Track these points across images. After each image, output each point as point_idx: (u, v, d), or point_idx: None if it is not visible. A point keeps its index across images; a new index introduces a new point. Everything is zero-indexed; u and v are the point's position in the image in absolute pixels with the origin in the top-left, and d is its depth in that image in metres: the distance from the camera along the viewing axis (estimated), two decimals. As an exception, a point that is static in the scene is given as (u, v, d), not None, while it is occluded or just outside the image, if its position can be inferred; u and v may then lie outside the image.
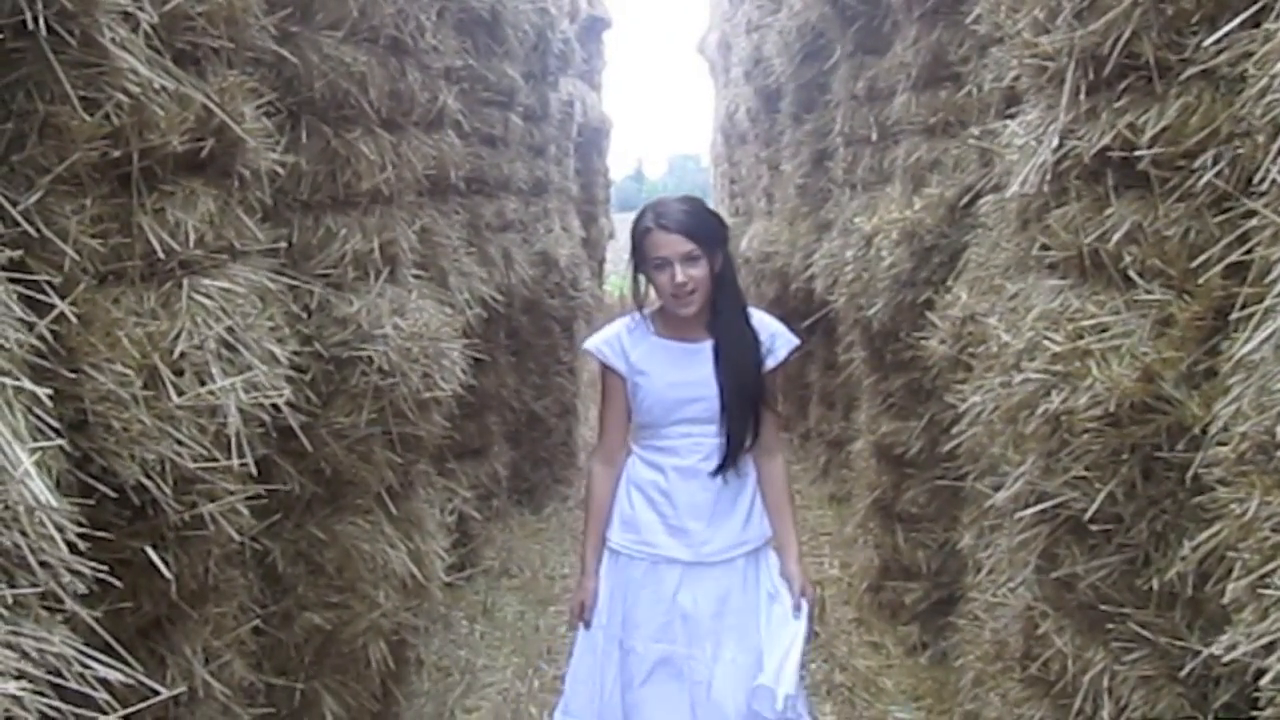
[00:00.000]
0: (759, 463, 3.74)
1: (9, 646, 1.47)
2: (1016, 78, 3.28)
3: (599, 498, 3.76)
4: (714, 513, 3.63)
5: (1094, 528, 2.65)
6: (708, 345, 3.60)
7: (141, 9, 2.28)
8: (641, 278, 3.64)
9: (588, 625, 3.72)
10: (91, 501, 2.02)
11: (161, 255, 2.46)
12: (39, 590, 1.55)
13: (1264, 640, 1.68)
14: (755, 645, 3.59)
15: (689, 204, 3.56)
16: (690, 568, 3.62)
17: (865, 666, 5.70)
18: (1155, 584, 2.51)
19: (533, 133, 9.04)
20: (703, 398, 3.58)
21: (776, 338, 3.68)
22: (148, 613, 2.48)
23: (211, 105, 2.61)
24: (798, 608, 3.63)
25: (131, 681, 1.71)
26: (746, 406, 3.60)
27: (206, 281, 2.63)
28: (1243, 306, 2.05)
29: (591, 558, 3.76)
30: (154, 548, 2.29)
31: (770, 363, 3.65)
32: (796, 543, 3.81)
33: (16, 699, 1.42)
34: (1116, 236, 2.60)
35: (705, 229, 3.49)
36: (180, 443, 2.29)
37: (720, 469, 3.60)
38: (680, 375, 3.60)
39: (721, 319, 3.59)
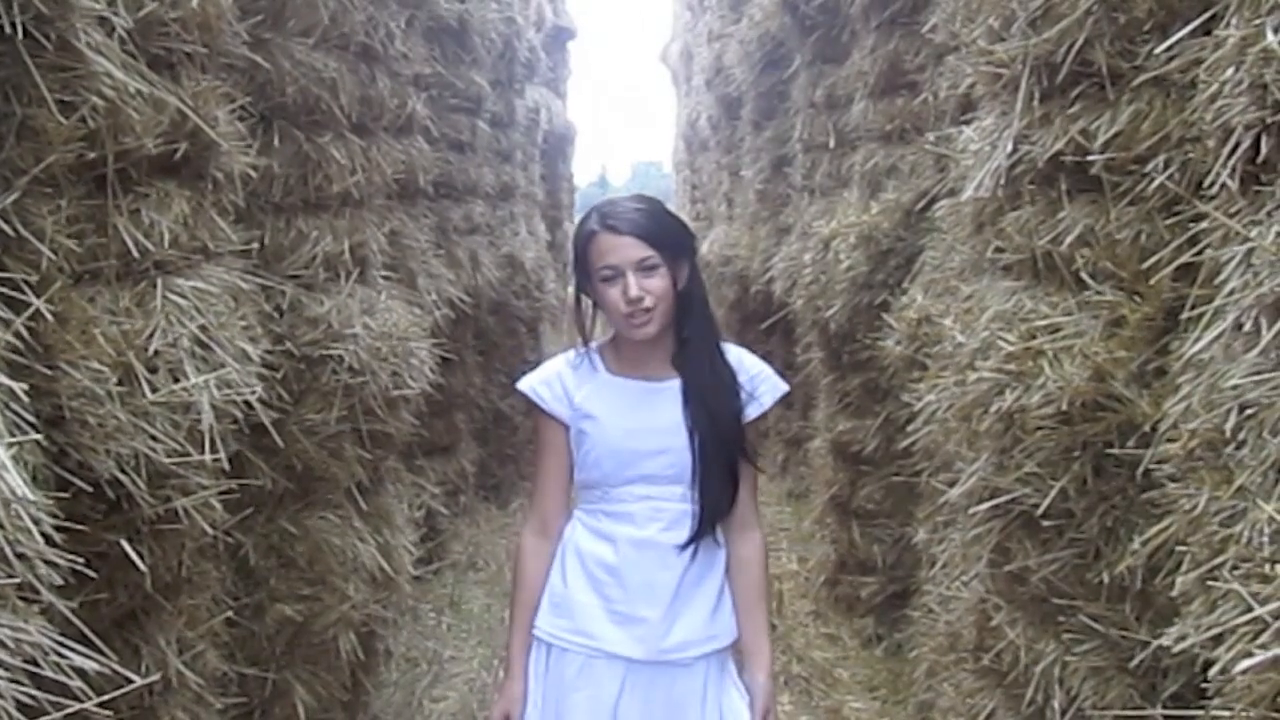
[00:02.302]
0: (730, 540, 2.93)
1: (-14, 636, 1.49)
2: (972, 85, 3.31)
3: (530, 579, 2.94)
4: (675, 597, 2.83)
5: (1046, 523, 2.66)
6: (674, 384, 2.85)
7: (117, 14, 2.29)
8: (589, 304, 2.93)
9: None
10: (67, 495, 2.03)
11: (136, 255, 2.47)
12: (16, 581, 1.56)
13: (1212, 632, 1.69)
14: None
15: (643, 203, 2.82)
16: (638, 667, 2.83)
17: (822, 658, 5.75)
18: (1106, 577, 2.53)
19: (499, 139, 9.08)
20: (668, 449, 2.82)
21: (759, 380, 2.93)
22: (122, 604, 2.48)
23: (185, 109, 2.64)
24: None
25: (106, 671, 1.76)
26: (725, 462, 2.85)
27: (180, 281, 2.65)
28: (1192, 307, 2.09)
29: (519, 654, 2.93)
30: (129, 540, 2.31)
31: (753, 411, 2.91)
32: (770, 646, 2.97)
33: (-7, 687, 1.44)
34: (1069, 239, 2.65)
35: (663, 232, 2.76)
36: (154, 438, 2.30)
37: (692, 540, 2.82)
38: (640, 421, 2.85)
39: (690, 349, 2.85)
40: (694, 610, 2.85)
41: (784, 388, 2.99)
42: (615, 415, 2.85)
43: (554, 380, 2.91)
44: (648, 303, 2.71)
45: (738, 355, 2.95)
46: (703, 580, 2.87)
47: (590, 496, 2.93)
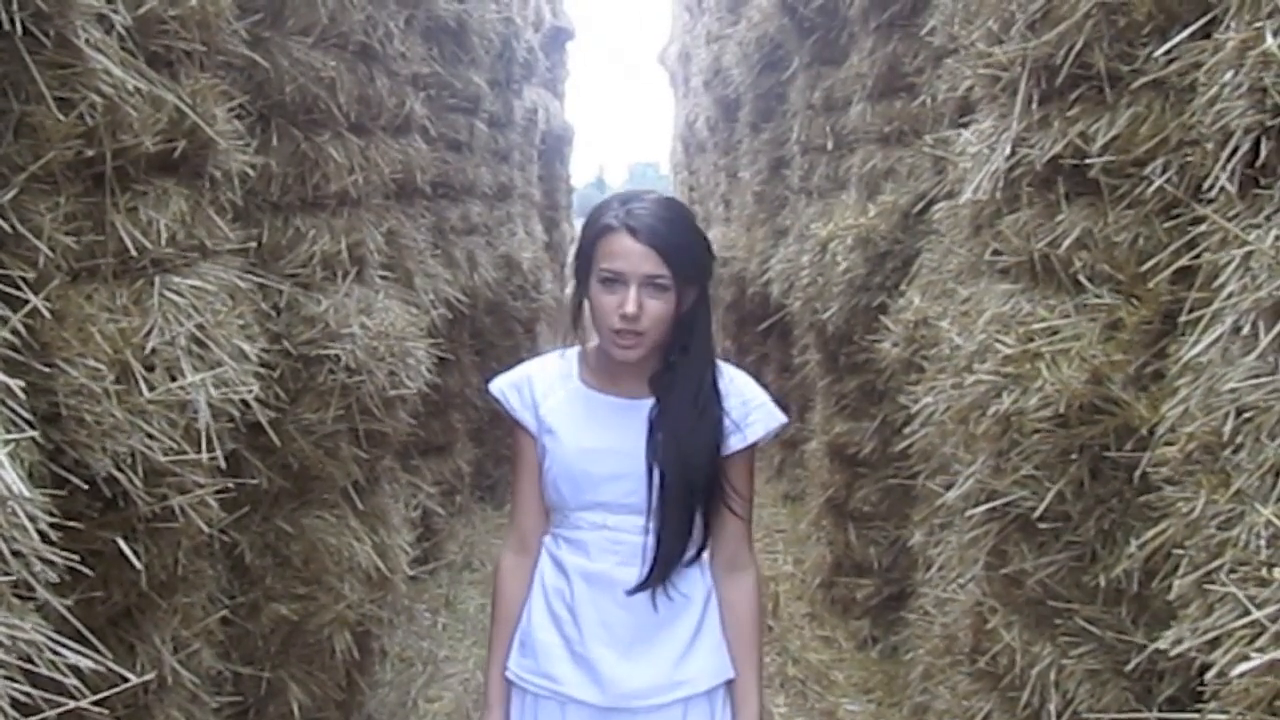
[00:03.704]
0: (720, 580, 2.63)
1: (-19, 633, 1.49)
2: (970, 88, 3.29)
3: (508, 600, 2.67)
4: (634, 639, 2.53)
5: (1043, 526, 2.65)
6: (645, 404, 2.53)
7: (116, 12, 2.29)
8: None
9: None
10: (64, 493, 2.02)
11: (134, 253, 2.47)
12: (11, 579, 1.56)
13: (1208, 635, 1.69)
14: None
15: (673, 212, 2.45)
16: (603, 714, 2.54)
17: (817, 660, 5.75)
18: (1102, 580, 2.52)
19: (497, 139, 9.08)
20: (626, 475, 2.50)
21: (751, 409, 2.56)
22: (118, 602, 2.48)
23: (184, 107, 2.63)
24: None
25: (101, 669, 1.74)
26: (690, 500, 2.50)
27: (178, 279, 2.64)
28: (1190, 310, 2.08)
29: (497, 685, 2.67)
30: (124, 539, 2.30)
31: (737, 442, 2.54)
32: (759, 694, 2.64)
33: (-11, 684, 1.43)
34: (1067, 242, 2.64)
35: (686, 252, 2.40)
36: (151, 436, 2.28)
37: (642, 586, 2.51)
38: (599, 440, 2.54)
39: (675, 373, 2.50)
40: (659, 653, 2.55)
41: (780, 419, 2.62)
42: (574, 432, 2.56)
43: (523, 384, 2.65)
44: (642, 324, 2.38)
45: (734, 379, 2.60)
46: (673, 621, 2.56)
47: (556, 519, 2.65)
